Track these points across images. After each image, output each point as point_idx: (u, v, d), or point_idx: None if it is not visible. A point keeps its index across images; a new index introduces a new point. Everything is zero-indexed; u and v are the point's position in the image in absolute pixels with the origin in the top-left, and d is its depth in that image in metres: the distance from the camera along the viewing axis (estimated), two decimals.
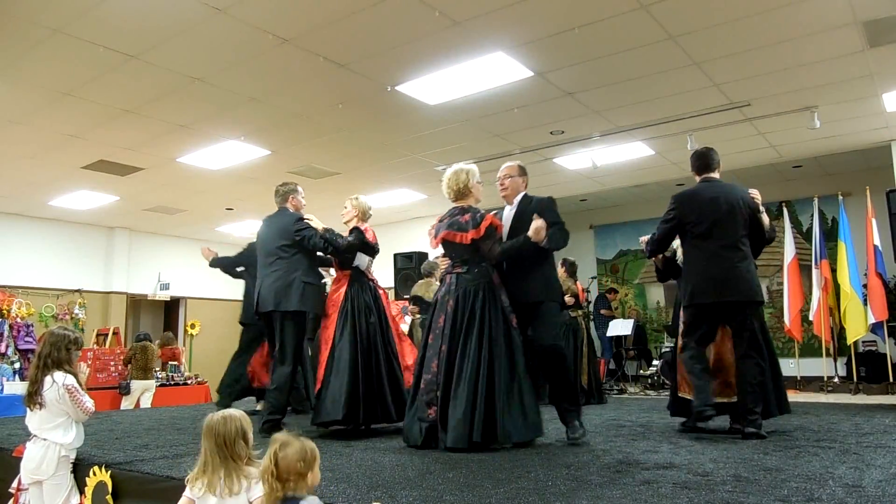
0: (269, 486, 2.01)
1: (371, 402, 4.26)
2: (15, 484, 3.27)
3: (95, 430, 4.64)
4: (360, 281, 4.60)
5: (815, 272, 8.42)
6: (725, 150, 7.79)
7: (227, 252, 6.35)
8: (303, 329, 4.56)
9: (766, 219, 4.08)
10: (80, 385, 3.25)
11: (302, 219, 4.64)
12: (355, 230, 4.54)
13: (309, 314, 4.56)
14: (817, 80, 5.86)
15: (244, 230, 11.42)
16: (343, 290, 4.54)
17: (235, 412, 2.31)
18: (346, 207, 4.78)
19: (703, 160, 4.19)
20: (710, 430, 4.15)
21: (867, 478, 2.66)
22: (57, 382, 3.16)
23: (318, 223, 4.63)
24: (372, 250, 4.60)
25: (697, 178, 4.20)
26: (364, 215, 4.73)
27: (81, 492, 3.19)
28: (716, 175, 4.16)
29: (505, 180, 4.04)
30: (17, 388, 8.05)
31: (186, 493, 2.25)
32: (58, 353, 3.23)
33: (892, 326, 7.82)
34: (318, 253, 4.67)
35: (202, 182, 8.71)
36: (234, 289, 7.47)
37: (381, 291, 4.71)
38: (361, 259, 4.63)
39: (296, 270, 4.51)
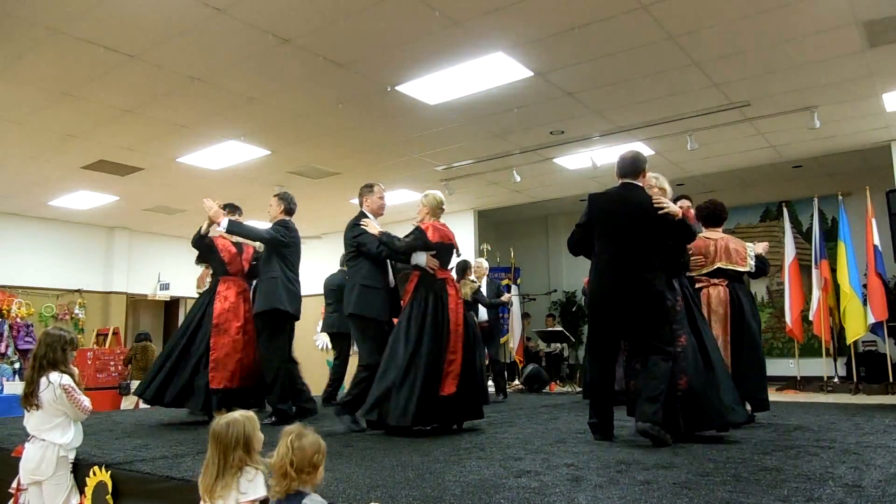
0: (286, 476, 1.98)
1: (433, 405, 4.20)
2: (15, 484, 3.27)
3: (95, 431, 4.64)
4: (428, 282, 4.44)
5: (814, 272, 8.41)
6: (725, 150, 7.83)
7: None
8: (368, 331, 4.56)
9: None
10: (77, 384, 3.23)
11: (358, 224, 4.63)
12: (415, 230, 4.48)
13: (369, 317, 4.54)
14: (817, 80, 5.86)
15: None
16: (411, 291, 4.47)
17: (240, 417, 2.25)
18: (419, 205, 4.73)
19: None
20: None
21: (867, 478, 2.66)
22: (53, 383, 3.14)
23: (374, 227, 4.58)
24: (432, 250, 4.45)
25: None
26: (435, 211, 4.62)
27: (81, 492, 3.19)
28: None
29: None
30: (17, 388, 8.05)
31: None
32: (53, 353, 3.20)
33: (891, 326, 7.81)
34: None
35: (202, 182, 8.70)
36: None
37: (450, 290, 4.47)
38: (418, 257, 4.46)
39: (357, 274, 4.60)
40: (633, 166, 3.98)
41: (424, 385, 4.13)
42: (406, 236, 4.54)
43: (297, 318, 5.06)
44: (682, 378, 3.79)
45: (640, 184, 3.97)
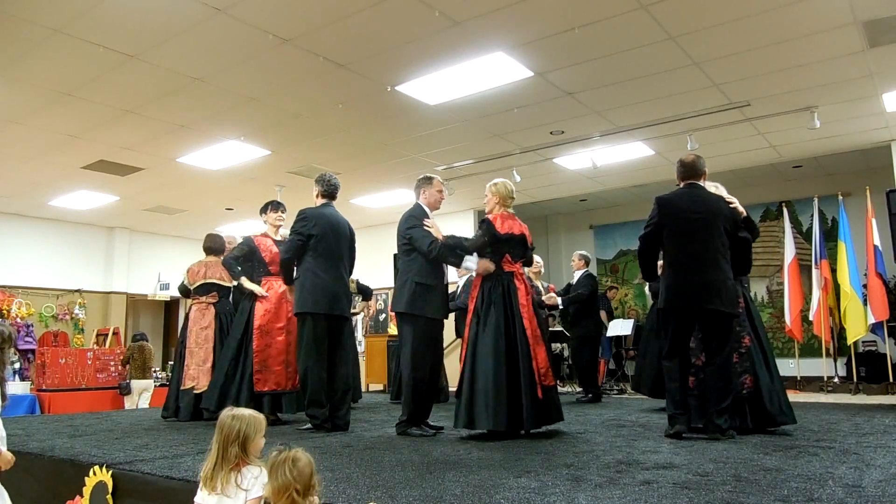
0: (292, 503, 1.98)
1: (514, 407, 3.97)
2: None
3: (95, 430, 4.65)
4: (492, 276, 4.22)
5: (815, 272, 8.42)
6: (725, 150, 7.83)
7: None
8: (419, 330, 4.27)
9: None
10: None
11: (413, 216, 4.37)
12: (483, 222, 4.27)
13: (427, 317, 4.28)
14: (817, 80, 5.86)
15: (244, 230, 11.42)
16: (478, 286, 4.26)
17: (246, 415, 2.23)
18: (486, 195, 4.45)
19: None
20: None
21: (867, 478, 2.66)
22: None
23: (438, 231, 4.31)
24: (498, 242, 4.23)
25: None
26: (505, 201, 4.36)
27: (80, 492, 3.18)
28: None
29: None
30: (17, 388, 8.06)
31: (196, 496, 2.21)
32: None
33: (892, 326, 7.82)
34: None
35: (202, 182, 8.71)
36: None
37: (518, 284, 4.23)
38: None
39: (409, 271, 4.33)
40: (695, 168, 4.16)
41: (511, 387, 3.97)
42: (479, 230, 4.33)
43: (335, 314, 4.54)
44: (748, 377, 4.06)
45: (703, 184, 4.17)
